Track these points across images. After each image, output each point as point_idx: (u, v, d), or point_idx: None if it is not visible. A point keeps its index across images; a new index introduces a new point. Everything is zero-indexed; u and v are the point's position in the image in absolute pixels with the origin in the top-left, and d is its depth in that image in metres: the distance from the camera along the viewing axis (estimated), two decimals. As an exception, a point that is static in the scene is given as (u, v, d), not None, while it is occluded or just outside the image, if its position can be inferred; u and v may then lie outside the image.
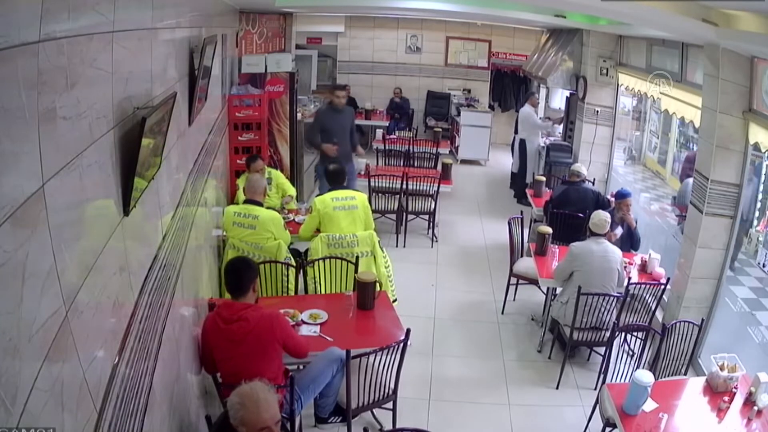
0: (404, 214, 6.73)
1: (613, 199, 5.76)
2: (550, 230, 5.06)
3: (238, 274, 3.10)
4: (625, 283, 4.36)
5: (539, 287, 5.25)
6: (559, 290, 4.59)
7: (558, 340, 4.60)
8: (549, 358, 4.59)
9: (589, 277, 4.16)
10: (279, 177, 5.83)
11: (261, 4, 6.77)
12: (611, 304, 4.18)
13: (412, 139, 8.92)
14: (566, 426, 3.89)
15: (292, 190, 5.82)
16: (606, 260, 4.21)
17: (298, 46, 10.15)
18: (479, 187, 9.25)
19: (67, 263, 1.46)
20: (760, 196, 5.12)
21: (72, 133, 1.53)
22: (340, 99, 6.29)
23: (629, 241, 5.22)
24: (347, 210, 4.65)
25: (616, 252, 4.30)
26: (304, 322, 3.62)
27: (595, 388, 4.08)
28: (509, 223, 5.32)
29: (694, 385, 3.29)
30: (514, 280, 5.31)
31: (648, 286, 4.47)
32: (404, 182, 6.64)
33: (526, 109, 8.46)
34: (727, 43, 3.85)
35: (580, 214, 5.56)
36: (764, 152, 3.95)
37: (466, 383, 4.29)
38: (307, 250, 4.83)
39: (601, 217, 4.32)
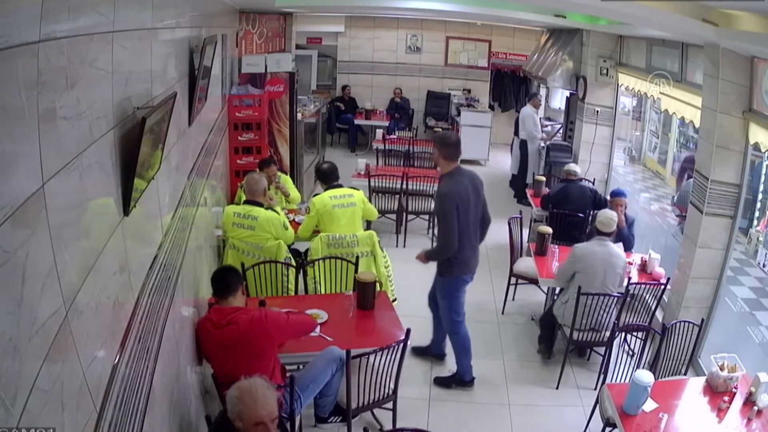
0: (404, 214, 6.73)
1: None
2: (550, 230, 5.06)
3: (224, 275, 3.20)
4: (625, 284, 4.35)
5: (539, 287, 5.25)
6: (558, 290, 4.58)
7: (544, 338, 4.57)
8: (549, 358, 4.58)
9: (591, 279, 4.15)
10: (287, 181, 5.82)
11: (261, 4, 6.78)
12: (611, 307, 4.17)
13: (412, 139, 8.92)
14: (566, 426, 3.89)
15: (295, 193, 5.78)
16: (609, 263, 4.16)
17: (298, 46, 10.15)
18: (479, 187, 9.23)
19: (67, 263, 1.46)
20: (760, 196, 5.11)
21: (72, 133, 1.53)
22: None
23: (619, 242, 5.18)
24: (346, 207, 4.66)
25: (620, 255, 4.24)
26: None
27: (595, 388, 4.08)
28: (509, 223, 5.32)
29: (694, 385, 3.29)
30: (514, 280, 5.31)
31: (648, 286, 4.47)
32: (404, 182, 6.64)
33: (527, 110, 8.47)
34: (727, 43, 3.85)
35: (580, 214, 5.56)
36: (764, 152, 3.95)
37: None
38: (307, 250, 4.83)
39: (607, 216, 4.24)
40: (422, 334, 4.78)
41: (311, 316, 3.50)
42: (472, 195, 3.88)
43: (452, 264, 3.92)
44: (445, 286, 4.00)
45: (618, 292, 4.25)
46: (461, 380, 4.20)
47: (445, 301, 4.04)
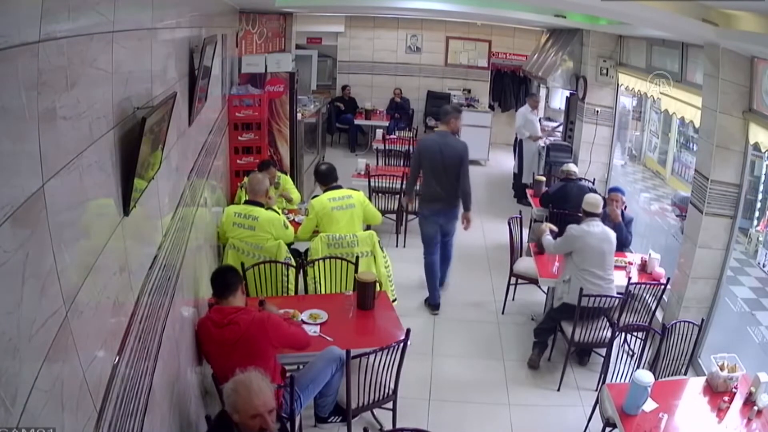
0: (404, 214, 6.73)
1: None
2: (553, 228, 5.00)
3: (224, 274, 3.20)
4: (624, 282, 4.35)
5: (539, 287, 5.25)
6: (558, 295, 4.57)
7: (537, 346, 4.52)
8: (549, 359, 4.58)
9: (589, 257, 4.19)
10: (287, 182, 5.84)
11: (261, 4, 6.78)
12: (613, 302, 4.17)
13: (412, 139, 8.92)
14: (566, 426, 3.89)
15: (296, 195, 5.80)
16: (607, 241, 4.23)
17: (298, 46, 10.15)
18: (479, 188, 9.23)
19: (67, 263, 1.46)
20: (760, 196, 5.12)
21: (72, 133, 1.53)
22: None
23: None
24: (345, 209, 4.65)
25: (611, 233, 4.33)
26: (304, 322, 3.62)
27: (596, 390, 4.08)
28: (509, 223, 5.32)
29: (694, 385, 3.29)
30: (514, 280, 5.32)
31: (648, 286, 4.47)
32: (404, 182, 6.63)
33: (522, 109, 8.53)
34: (727, 43, 3.85)
35: (579, 213, 5.55)
36: (764, 152, 3.95)
37: (466, 383, 4.29)
38: (307, 250, 4.83)
39: (593, 197, 4.42)
40: (422, 334, 4.79)
41: (309, 336, 3.40)
42: (435, 150, 5.03)
43: (419, 199, 5.32)
44: (418, 214, 5.45)
45: (618, 293, 4.26)
46: (428, 302, 5.33)
47: (421, 230, 5.37)
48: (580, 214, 5.44)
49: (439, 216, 5.19)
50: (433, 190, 5.09)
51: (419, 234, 6.50)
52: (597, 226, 4.27)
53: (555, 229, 4.80)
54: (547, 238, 4.62)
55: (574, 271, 4.25)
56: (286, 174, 6.18)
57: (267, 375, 2.45)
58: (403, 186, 6.63)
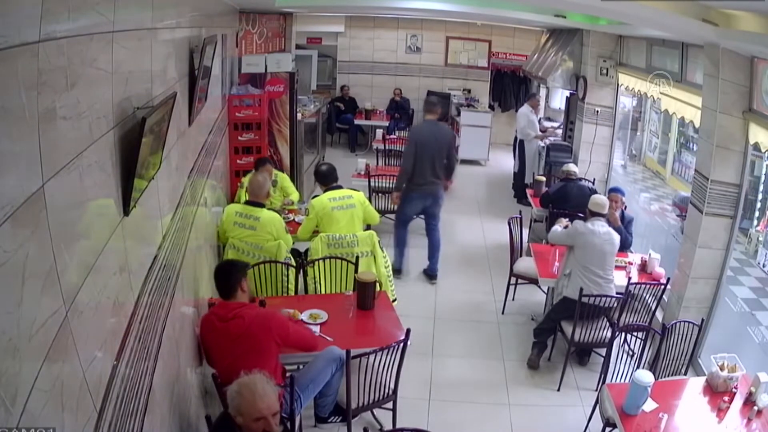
0: (404, 214, 6.71)
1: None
2: (565, 221, 5.03)
3: (226, 274, 3.18)
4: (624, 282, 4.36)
5: (539, 287, 5.25)
6: (559, 290, 4.58)
7: (537, 346, 4.51)
8: (549, 359, 4.58)
9: (590, 255, 4.20)
10: (285, 180, 5.84)
11: (261, 4, 6.78)
12: (613, 301, 4.17)
13: (411, 139, 8.90)
14: (566, 426, 3.89)
15: (295, 195, 5.81)
16: (610, 242, 4.24)
17: (298, 46, 10.15)
18: (479, 187, 9.25)
19: (67, 263, 1.46)
20: (760, 196, 5.12)
21: (72, 133, 1.53)
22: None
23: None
24: (345, 209, 4.65)
25: (615, 236, 4.34)
26: (304, 322, 3.62)
27: (596, 390, 4.08)
28: (509, 223, 5.33)
29: (694, 385, 3.29)
30: (514, 280, 5.31)
31: (648, 286, 4.47)
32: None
33: (523, 109, 8.53)
34: (727, 43, 3.85)
35: (580, 213, 5.56)
36: (764, 152, 3.95)
37: (466, 383, 4.29)
38: (307, 250, 4.83)
39: (598, 197, 4.48)
40: (422, 334, 4.79)
41: (317, 338, 3.41)
42: (430, 138, 5.42)
43: (408, 182, 5.53)
44: (402, 195, 5.61)
45: (618, 293, 4.26)
46: (395, 267, 5.63)
47: (399, 206, 5.74)
48: (581, 214, 5.48)
49: (427, 198, 5.57)
50: (426, 174, 5.45)
51: (419, 234, 6.55)
52: (602, 227, 4.29)
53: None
54: (556, 227, 4.69)
55: (575, 266, 4.27)
56: (283, 172, 6.18)
57: (271, 377, 2.45)
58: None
